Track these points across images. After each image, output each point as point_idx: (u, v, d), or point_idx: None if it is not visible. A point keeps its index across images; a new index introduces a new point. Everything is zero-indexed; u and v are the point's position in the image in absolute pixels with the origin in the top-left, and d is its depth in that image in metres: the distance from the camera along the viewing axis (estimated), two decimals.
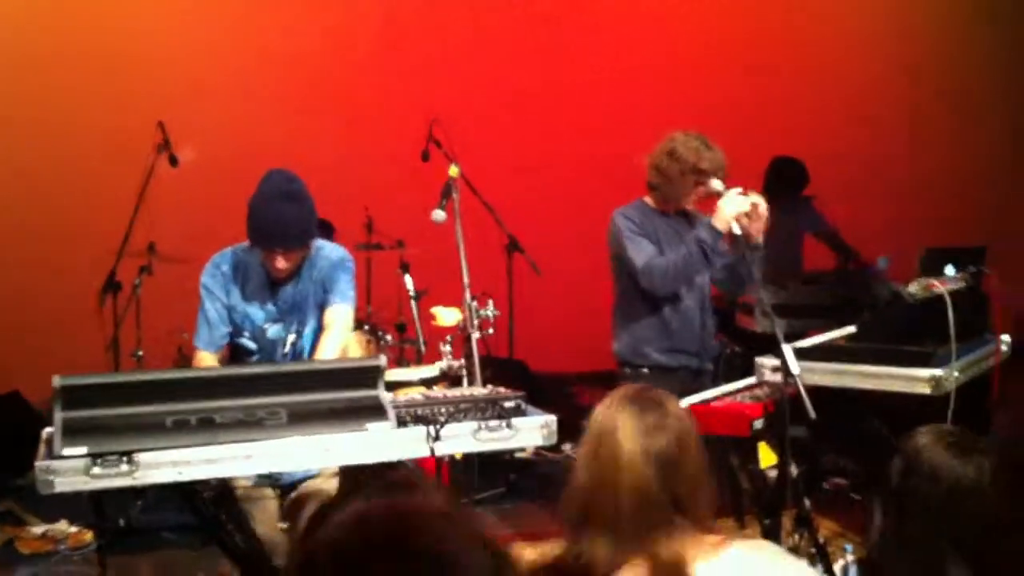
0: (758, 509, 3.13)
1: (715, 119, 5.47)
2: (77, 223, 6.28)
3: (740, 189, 3.64)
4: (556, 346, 6.71)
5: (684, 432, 1.99)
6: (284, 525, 3.38)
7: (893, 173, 7.88)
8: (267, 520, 3.30)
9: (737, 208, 3.61)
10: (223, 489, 3.06)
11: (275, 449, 2.55)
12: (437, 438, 2.65)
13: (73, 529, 4.80)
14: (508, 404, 2.77)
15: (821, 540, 3.06)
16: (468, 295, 3.89)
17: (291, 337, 3.48)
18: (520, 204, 6.26)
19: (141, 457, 2.43)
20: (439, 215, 3.89)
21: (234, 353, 3.54)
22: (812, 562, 2.96)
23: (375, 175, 6.75)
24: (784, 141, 6.35)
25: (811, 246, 6.08)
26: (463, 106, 6.53)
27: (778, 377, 3.10)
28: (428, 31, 7.29)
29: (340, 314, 3.43)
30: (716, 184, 3.72)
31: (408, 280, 5.82)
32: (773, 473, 3.05)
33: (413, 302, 5.74)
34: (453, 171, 4.04)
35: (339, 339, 3.39)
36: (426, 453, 2.65)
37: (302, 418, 2.60)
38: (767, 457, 3.08)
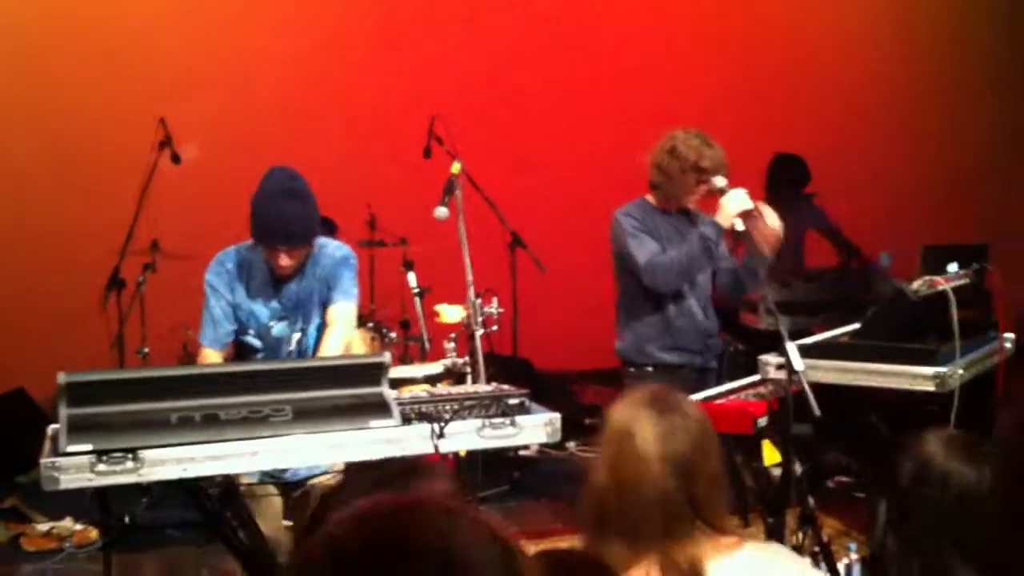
0: (762, 507, 3.13)
1: (715, 115, 5.49)
2: (80, 221, 6.28)
3: (745, 190, 3.65)
4: (560, 343, 6.71)
5: (704, 435, 2.00)
6: (289, 523, 3.39)
7: (892, 169, 7.87)
8: (272, 518, 3.31)
9: (740, 205, 3.62)
10: (228, 486, 3.07)
11: (280, 446, 2.56)
12: (441, 435, 2.65)
13: (78, 526, 4.81)
14: (512, 401, 2.77)
15: (825, 538, 3.07)
16: (472, 292, 3.90)
17: (296, 335, 3.49)
18: (521, 201, 6.25)
19: (146, 454, 2.44)
20: (442, 212, 3.89)
21: (239, 351, 3.54)
22: (815, 561, 2.97)
23: (377, 172, 6.75)
24: (783, 138, 6.35)
25: (813, 243, 6.08)
26: (464, 103, 6.53)
27: (782, 375, 3.10)
28: (429, 28, 7.29)
29: (343, 311, 3.44)
30: (718, 181, 3.72)
31: (411, 277, 5.83)
32: (777, 471, 3.05)
33: (417, 299, 5.74)
34: (455, 168, 4.05)
35: (342, 336, 3.40)
36: (430, 450, 2.66)
37: (307, 415, 2.61)
38: (771, 455, 3.08)
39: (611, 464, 1.98)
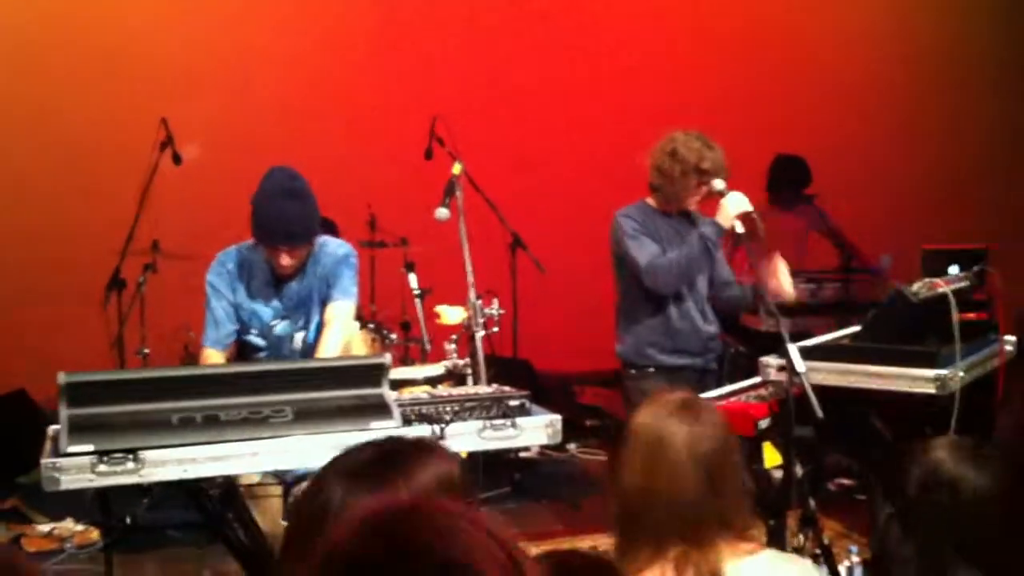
0: (763, 510, 3.13)
1: (714, 115, 5.49)
2: (81, 221, 6.28)
3: (743, 194, 3.67)
4: (561, 345, 6.71)
5: (729, 441, 2.04)
6: (287, 523, 3.39)
7: (892, 169, 7.86)
8: (270, 516, 3.30)
9: (739, 207, 3.62)
10: (229, 487, 3.07)
11: (280, 447, 2.56)
12: (442, 437, 2.65)
13: (79, 527, 4.80)
14: (513, 403, 2.77)
15: (826, 541, 3.07)
16: (472, 293, 3.90)
17: (300, 334, 3.49)
18: (521, 201, 6.25)
19: (147, 455, 2.44)
20: (443, 213, 3.89)
21: (243, 350, 3.55)
22: (817, 563, 2.96)
23: (377, 172, 6.74)
24: (783, 138, 6.35)
25: (814, 244, 6.08)
26: (463, 103, 6.53)
27: (783, 376, 3.10)
28: (429, 28, 7.28)
29: (341, 310, 3.44)
30: (718, 184, 3.73)
31: (412, 278, 5.83)
32: (778, 473, 3.05)
33: (417, 300, 5.74)
34: (456, 169, 4.05)
35: (340, 335, 3.40)
36: None
37: (307, 416, 2.61)
38: (772, 457, 3.08)
39: (641, 469, 2.01)
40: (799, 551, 2.92)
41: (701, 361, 3.95)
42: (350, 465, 1.59)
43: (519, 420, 2.76)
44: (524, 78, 7.33)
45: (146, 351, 5.52)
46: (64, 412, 2.45)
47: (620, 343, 3.98)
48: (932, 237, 5.92)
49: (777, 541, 2.96)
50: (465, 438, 2.71)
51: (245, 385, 2.64)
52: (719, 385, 3.58)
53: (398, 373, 4.10)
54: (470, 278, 3.88)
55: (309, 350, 3.48)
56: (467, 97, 6.87)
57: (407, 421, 2.67)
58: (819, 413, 2.86)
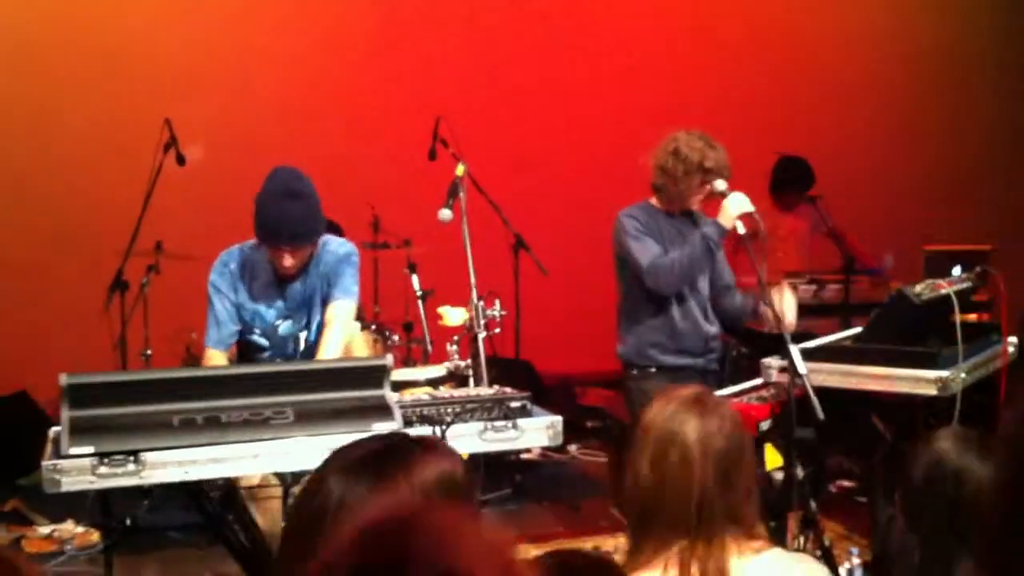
0: (764, 511, 3.13)
1: (715, 115, 5.48)
2: (83, 222, 6.28)
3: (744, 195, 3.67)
4: (562, 346, 6.71)
5: (742, 438, 2.03)
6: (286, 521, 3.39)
7: (893, 169, 7.86)
8: (270, 517, 3.30)
9: (741, 207, 3.62)
10: (229, 488, 3.07)
11: (281, 448, 2.56)
12: (443, 438, 2.65)
13: (80, 529, 4.80)
14: (514, 404, 2.78)
15: (827, 543, 3.07)
16: (475, 295, 3.89)
17: (303, 334, 3.49)
18: (521, 202, 6.24)
19: (148, 456, 2.44)
20: (446, 214, 3.88)
21: (246, 350, 3.54)
22: None
23: (381, 173, 6.74)
24: (783, 138, 6.34)
25: (816, 245, 6.08)
26: (464, 103, 6.52)
27: (785, 378, 3.10)
28: (429, 28, 7.28)
29: (342, 309, 3.44)
30: (719, 185, 3.73)
31: (415, 280, 5.82)
32: (779, 475, 3.05)
33: (420, 302, 5.74)
34: (460, 170, 4.04)
35: (340, 335, 3.39)
36: None
37: (308, 417, 2.61)
38: (773, 459, 3.08)
39: (654, 464, 2.00)
40: (800, 552, 2.92)
41: (703, 361, 3.94)
42: (349, 462, 1.59)
43: (520, 421, 2.76)
44: (524, 78, 7.33)
45: (148, 352, 5.52)
46: (65, 414, 2.45)
47: (621, 343, 3.97)
48: (932, 237, 5.96)
49: (778, 543, 2.95)
50: (466, 439, 2.71)
51: (246, 386, 2.64)
52: (721, 386, 3.58)
53: (400, 374, 4.10)
54: (472, 279, 3.88)
55: (310, 350, 3.48)
56: (467, 97, 6.87)
57: (408, 422, 2.67)
58: (820, 415, 2.86)
